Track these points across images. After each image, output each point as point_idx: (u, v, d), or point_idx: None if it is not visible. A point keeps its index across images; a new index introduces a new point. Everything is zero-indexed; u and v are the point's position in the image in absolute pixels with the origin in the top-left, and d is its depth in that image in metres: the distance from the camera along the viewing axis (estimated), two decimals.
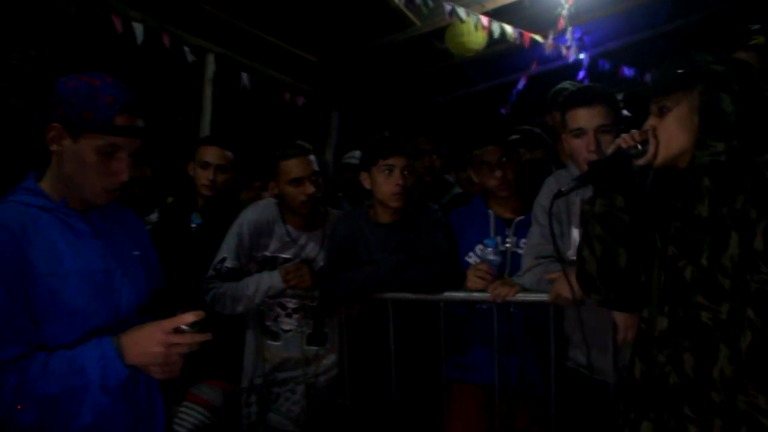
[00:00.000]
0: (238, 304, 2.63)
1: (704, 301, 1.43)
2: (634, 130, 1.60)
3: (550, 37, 4.90)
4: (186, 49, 4.27)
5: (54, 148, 1.57)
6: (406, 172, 2.53)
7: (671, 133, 1.53)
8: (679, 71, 1.52)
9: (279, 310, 2.78)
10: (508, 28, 4.57)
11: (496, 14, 4.60)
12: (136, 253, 1.78)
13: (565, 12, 4.66)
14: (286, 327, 2.78)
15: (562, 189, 1.71)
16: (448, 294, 2.41)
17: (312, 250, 2.78)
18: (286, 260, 2.74)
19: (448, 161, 3.72)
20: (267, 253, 2.76)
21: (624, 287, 1.64)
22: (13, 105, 6.07)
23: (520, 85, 6.20)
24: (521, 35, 4.71)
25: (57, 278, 1.52)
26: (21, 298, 1.47)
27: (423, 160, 3.32)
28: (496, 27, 4.47)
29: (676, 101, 1.52)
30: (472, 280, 2.37)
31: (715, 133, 1.45)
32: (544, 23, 4.86)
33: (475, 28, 4.47)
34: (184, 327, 1.54)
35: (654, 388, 1.53)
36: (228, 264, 2.68)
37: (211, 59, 4.60)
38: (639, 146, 1.57)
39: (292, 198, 2.68)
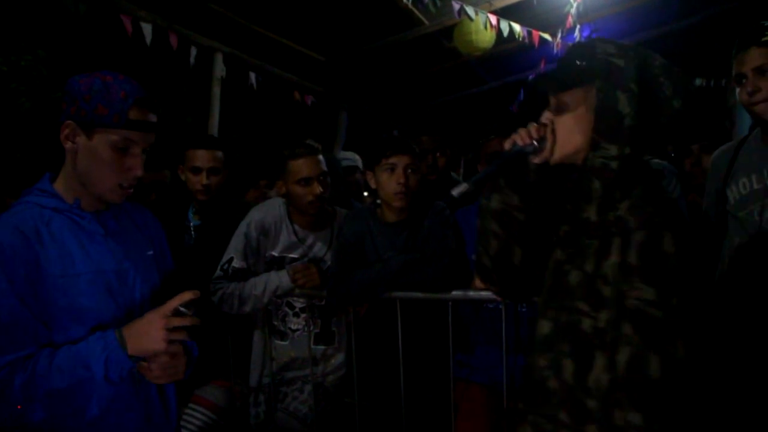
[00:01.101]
0: (245, 303, 2.63)
1: (585, 307, 1.39)
2: (531, 125, 1.53)
3: (559, 35, 4.89)
4: (193, 49, 4.28)
5: (68, 145, 1.59)
6: (409, 171, 2.53)
7: (568, 130, 1.46)
8: (579, 63, 1.44)
9: (287, 309, 2.78)
10: (517, 27, 4.56)
11: (504, 13, 4.59)
12: (150, 252, 1.80)
13: (573, 10, 4.65)
14: (294, 326, 2.78)
15: (454, 193, 1.60)
16: (456, 293, 2.40)
17: (320, 249, 2.78)
18: (294, 260, 2.74)
19: (453, 159, 3.71)
20: (275, 253, 2.76)
21: (519, 282, 1.62)
22: (23, 105, 6.12)
23: (531, 80, 6.18)
24: (530, 34, 4.70)
25: (69, 279, 1.54)
26: (32, 301, 1.49)
27: (427, 159, 3.31)
28: (504, 25, 4.46)
29: (574, 97, 1.44)
30: (480, 279, 2.36)
31: (608, 136, 1.39)
32: (553, 22, 4.85)
33: (484, 27, 4.46)
34: (182, 309, 1.56)
35: (534, 391, 1.48)
36: (235, 264, 2.68)
37: (219, 59, 4.61)
38: (536, 143, 1.50)
39: (299, 198, 2.68)
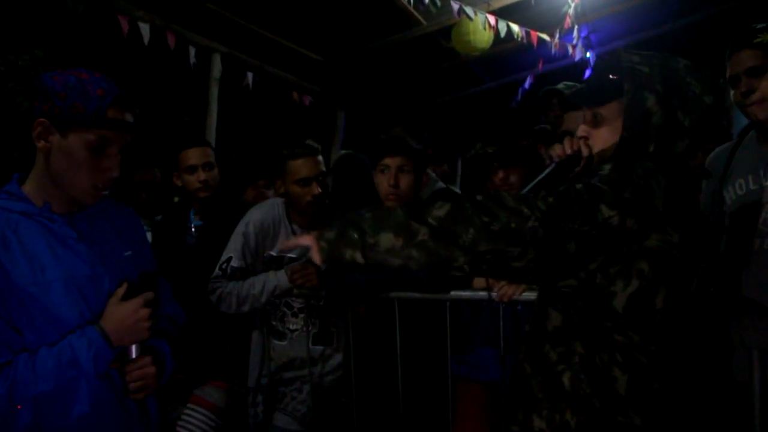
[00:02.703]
0: (244, 303, 2.63)
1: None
2: (567, 140, 1.58)
3: (557, 35, 4.89)
4: (192, 49, 4.28)
5: (41, 144, 1.53)
6: (401, 173, 2.54)
7: (605, 141, 1.52)
8: (612, 77, 1.50)
9: (285, 309, 2.78)
10: (515, 27, 4.56)
11: (502, 13, 4.60)
12: (128, 253, 1.73)
13: (571, 10, 4.65)
14: (292, 326, 2.78)
15: None
16: (454, 293, 2.40)
17: None
18: (292, 260, 2.74)
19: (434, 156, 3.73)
20: (273, 253, 2.76)
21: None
22: (21, 105, 6.12)
23: (527, 83, 6.18)
24: (528, 34, 4.70)
25: (39, 286, 1.49)
26: (2, 310, 1.45)
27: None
28: (502, 26, 4.47)
29: (611, 110, 1.50)
30: (478, 278, 2.37)
31: (636, 133, 1.45)
32: (551, 22, 4.85)
33: (482, 27, 4.46)
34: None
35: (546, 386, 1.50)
36: (234, 263, 2.68)
37: (217, 59, 4.60)
38: (570, 157, 1.56)
39: (298, 198, 2.68)
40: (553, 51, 4.98)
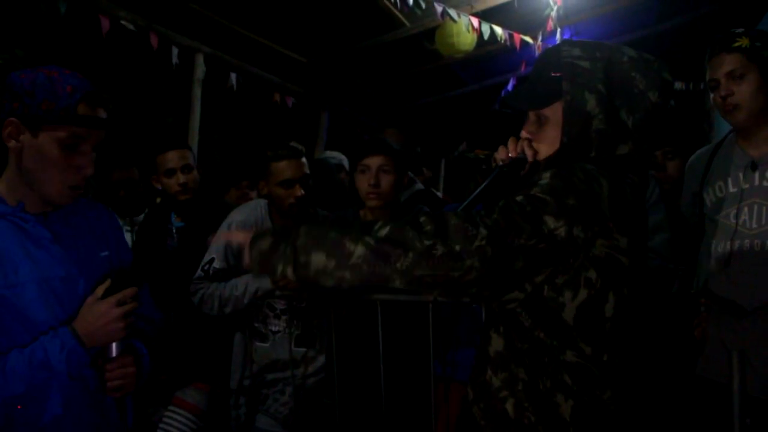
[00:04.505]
0: (226, 305, 2.61)
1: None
2: (511, 142, 1.51)
3: (540, 38, 4.92)
4: (174, 49, 4.26)
5: (12, 144, 1.50)
6: (381, 172, 2.54)
7: (552, 142, 1.44)
8: (554, 75, 1.40)
9: (267, 311, 2.77)
10: (498, 30, 4.58)
11: (485, 15, 4.61)
12: (104, 254, 1.71)
13: (554, 13, 4.68)
14: (275, 328, 2.77)
15: None
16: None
17: None
18: None
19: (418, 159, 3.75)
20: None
21: None
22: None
23: (510, 86, 6.21)
24: (511, 36, 4.72)
25: (11, 288, 1.47)
26: None
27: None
28: (485, 28, 4.48)
29: (555, 110, 1.42)
30: None
31: (577, 139, 1.38)
32: (534, 24, 4.87)
33: (466, 30, 4.48)
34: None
35: None
36: (216, 265, 2.67)
37: (200, 59, 4.58)
38: (515, 159, 1.49)
39: (281, 200, 2.67)
40: (536, 53, 5.00)
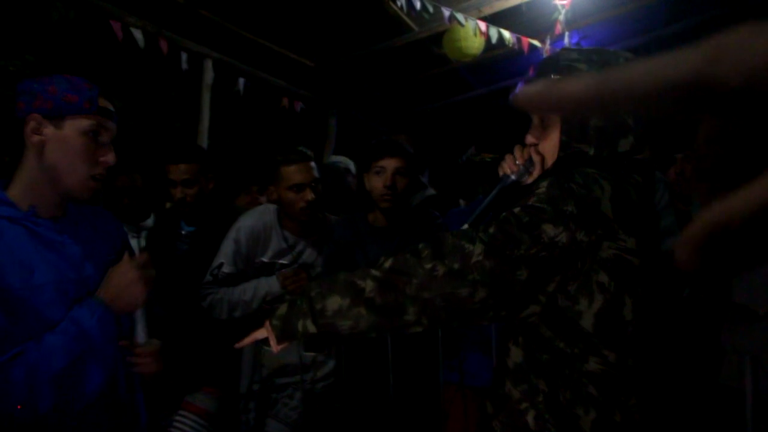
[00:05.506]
0: (235, 309, 2.62)
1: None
2: (517, 149, 1.54)
3: (548, 41, 4.91)
4: (183, 55, 4.28)
5: (35, 139, 1.54)
6: (397, 175, 2.54)
7: (555, 145, 1.44)
8: (555, 77, 1.41)
9: None
10: (506, 33, 4.58)
11: (493, 19, 4.61)
12: (111, 257, 1.74)
13: (562, 17, 4.67)
14: None
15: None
16: None
17: (310, 256, 2.78)
18: (284, 266, 2.74)
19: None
20: (264, 259, 2.76)
21: None
22: (12, 110, 6.10)
23: (518, 90, 6.20)
24: (519, 40, 4.72)
25: (30, 291, 1.48)
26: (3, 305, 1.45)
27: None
28: (493, 32, 4.49)
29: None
30: None
31: (575, 137, 1.39)
32: (542, 28, 4.87)
33: (474, 34, 4.48)
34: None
35: None
36: (225, 269, 2.68)
37: (209, 65, 4.61)
38: (522, 167, 1.51)
39: (291, 204, 2.68)
40: (544, 57, 5.00)
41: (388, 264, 1.26)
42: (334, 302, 1.29)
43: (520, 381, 1.36)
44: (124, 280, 1.58)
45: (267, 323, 1.42)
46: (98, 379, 1.53)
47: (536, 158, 1.49)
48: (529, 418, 1.33)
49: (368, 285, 1.26)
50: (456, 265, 1.20)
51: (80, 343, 1.48)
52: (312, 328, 1.32)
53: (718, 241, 0.28)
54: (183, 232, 3.00)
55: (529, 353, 1.36)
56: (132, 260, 1.62)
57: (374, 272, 1.26)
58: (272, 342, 1.41)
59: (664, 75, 0.29)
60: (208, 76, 4.61)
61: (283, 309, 1.39)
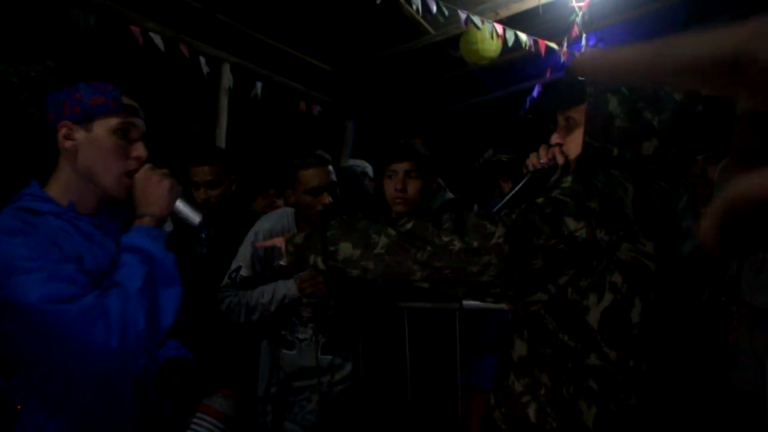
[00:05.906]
0: (253, 312, 2.63)
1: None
2: (542, 149, 1.55)
3: (565, 44, 4.89)
4: (202, 59, 4.31)
5: (68, 145, 1.60)
6: (409, 177, 2.54)
7: (579, 145, 1.46)
8: (582, 79, 1.45)
9: (294, 319, 2.78)
10: (523, 36, 4.57)
11: (510, 22, 4.60)
12: None
13: (579, 19, 4.65)
14: (301, 336, 2.78)
15: None
16: (464, 302, 2.40)
17: None
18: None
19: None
20: (282, 262, 2.76)
21: None
22: (34, 115, 6.17)
23: (535, 92, 6.18)
24: (536, 43, 4.71)
25: (85, 276, 1.54)
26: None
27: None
28: (510, 35, 4.47)
29: (581, 112, 1.45)
30: None
31: (598, 137, 1.40)
32: (559, 30, 4.85)
33: (490, 36, 4.47)
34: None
35: None
36: (243, 273, 2.69)
37: (226, 69, 4.63)
38: (546, 165, 1.52)
39: (309, 207, 2.69)
40: (561, 60, 4.98)
41: (408, 226, 1.28)
42: (346, 249, 1.32)
43: (524, 374, 1.38)
44: (149, 184, 1.64)
45: (283, 243, 1.47)
46: (172, 305, 1.58)
47: (560, 158, 1.50)
48: (531, 411, 1.34)
49: (381, 241, 1.28)
50: (475, 243, 1.21)
51: (146, 265, 1.54)
52: (321, 266, 1.37)
53: (740, 218, 0.28)
54: (202, 236, 3.02)
55: (534, 347, 1.37)
56: (146, 166, 1.66)
57: (391, 231, 1.28)
58: (283, 258, 1.49)
59: (711, 47, 0.30)
60: (226, 80, 4.64)
61: (299, 238, 1.44)
